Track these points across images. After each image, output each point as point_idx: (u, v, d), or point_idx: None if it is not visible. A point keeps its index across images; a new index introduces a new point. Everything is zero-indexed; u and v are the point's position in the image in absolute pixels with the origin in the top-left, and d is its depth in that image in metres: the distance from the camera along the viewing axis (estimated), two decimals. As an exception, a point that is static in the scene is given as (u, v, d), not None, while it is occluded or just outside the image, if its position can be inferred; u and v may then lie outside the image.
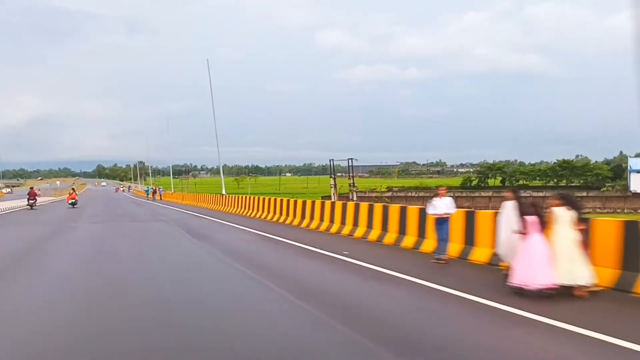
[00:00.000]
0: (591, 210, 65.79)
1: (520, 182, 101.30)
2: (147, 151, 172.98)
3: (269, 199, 23.24)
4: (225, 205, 29.56)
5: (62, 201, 50.76)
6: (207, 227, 19.04)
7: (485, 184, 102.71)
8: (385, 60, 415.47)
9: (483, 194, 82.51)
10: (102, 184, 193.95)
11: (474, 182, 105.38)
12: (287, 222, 20.03)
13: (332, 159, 40.38)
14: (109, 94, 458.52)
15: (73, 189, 43.41)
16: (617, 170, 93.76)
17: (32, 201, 35.78)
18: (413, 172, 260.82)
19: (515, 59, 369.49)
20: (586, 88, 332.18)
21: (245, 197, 26.93)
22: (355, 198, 36.36)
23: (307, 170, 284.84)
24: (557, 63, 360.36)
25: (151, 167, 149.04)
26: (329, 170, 44.62)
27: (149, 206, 38.76)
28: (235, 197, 28.77)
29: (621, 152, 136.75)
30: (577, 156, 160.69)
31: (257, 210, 24.14)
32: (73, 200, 37.59)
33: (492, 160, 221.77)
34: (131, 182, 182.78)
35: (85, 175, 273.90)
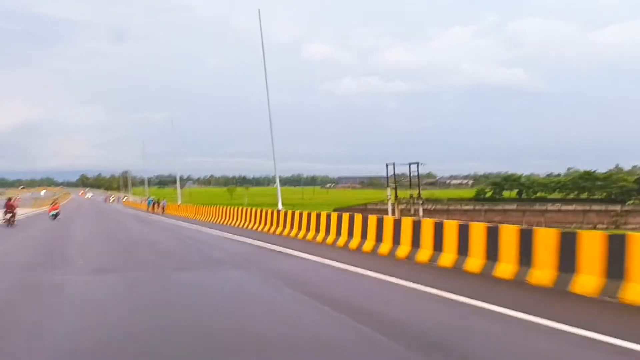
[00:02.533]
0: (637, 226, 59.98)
1: (538, 194, 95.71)
2: (141, 159, 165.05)
3: (317, 215, 17.24)
4: (258, 222, 22.30)
5: (43, 214, 43.72)
6: (323, 277, 10.11)
7: (500, 196, 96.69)
8: (371, 73, 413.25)
9: (507, 207, 76.45)
10: (89, 194, 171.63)
11: (489, 194, 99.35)
12: (353, 245, 14.27)
13: (393, 163, 33.69)
14: (92, 102, 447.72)
15: (55, 199, 39.06)
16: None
17: (10, 215, 28.57)
18: (405, 183, 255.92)
19: (501, 73, 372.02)
20: (571, 102, 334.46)
21: (291, 212, 20.30)
22: (421, 213, 29.77)
23: (296, 181, 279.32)
24: (541, 77, 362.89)
25: (147, 178, 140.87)
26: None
27: (161, 224, 29.87)
28: (274, 212, 21.61)
29: (617, 164, 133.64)
30: (568, 169, 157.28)
31: (309, 230, 17.71)
32: (55, 212, 34.19)
33: (482, 172, 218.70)
34: (118, 192, 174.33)
35: (69, 184, 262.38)
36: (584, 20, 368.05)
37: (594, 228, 54.88)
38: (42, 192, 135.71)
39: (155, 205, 50.58)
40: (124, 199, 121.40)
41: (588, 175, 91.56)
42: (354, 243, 14.22)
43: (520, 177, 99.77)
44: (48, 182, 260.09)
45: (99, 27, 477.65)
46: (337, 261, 11.36)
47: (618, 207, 70.04)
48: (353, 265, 10.68)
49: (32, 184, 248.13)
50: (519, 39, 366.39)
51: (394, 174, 34.99)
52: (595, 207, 72.61)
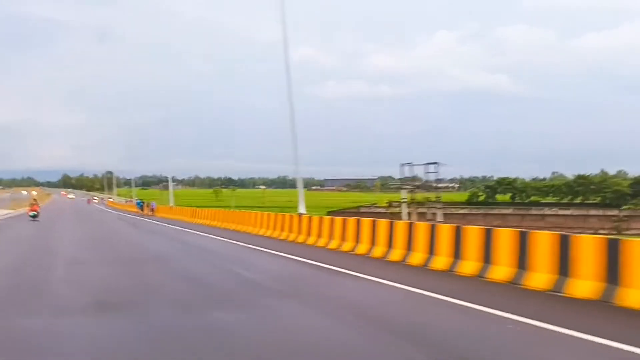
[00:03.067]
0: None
1: (532, 198, 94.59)
2: (124, 160, 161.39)
3: (332, 220, 15.85)
4: (272, 228, 20.11)
5: (22, 216, 40.83)
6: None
7: (493, 199, 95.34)
8: (356, 77, 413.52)
9: (504, 211, 75.14)
10: (70, 195, 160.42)
11: (481, 198, 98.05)
12: (377, 254, 12.70)
13: (410, 163, 31.72)
14: (74, 102, 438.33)
15: (35, 199, 38.06)
16: (637, 187, 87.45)
17: None
18: (392, 186, 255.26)
19: (484, 78, 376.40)
20: (553, 107, 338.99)
21: (307, 218, 18.34)
22: (440, 218, 27.92)
23: (281, 183, 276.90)
24: (525, 83, 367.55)
25: (130, 179, 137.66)
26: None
27: (159, 229, 26.91)
28: (281, 216, 19.54)
29: (602, 169, 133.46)
30: (553, 173, 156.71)
31: (315, 235, 16.27)
32: (34, 213, 33.83)
33: (468, 176, 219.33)
34: (101, 193, 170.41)
35: (50, 185, 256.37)
36: (564, 28, 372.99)
37: (596, 233, 53.62)
38: (24, 192, 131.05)
39: (145, 206, 48.05)
40: (110, 200, 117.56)
41: (582, 179, 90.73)
42: (395, 254, 12.25)
43: (514, 180, 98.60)
44: (28, 183, 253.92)
45: (82, 28, 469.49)
46: (404, 284, 9.14)
47: (615, 212, 69.04)
48: (424, 289, 8.57)
49: (12, 183, 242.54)
50: (502, 45, 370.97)
51: (400, 177, 32.93)
52: (593, 211, 71.55)
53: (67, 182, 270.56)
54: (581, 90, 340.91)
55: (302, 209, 19.02)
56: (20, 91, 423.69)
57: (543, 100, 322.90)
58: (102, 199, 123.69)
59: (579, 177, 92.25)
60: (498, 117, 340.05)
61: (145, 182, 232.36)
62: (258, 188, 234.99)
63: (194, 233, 23.11)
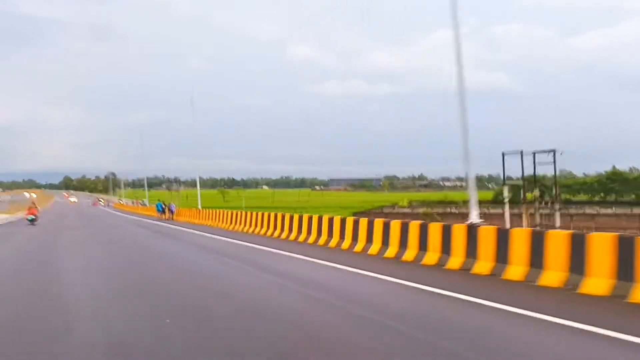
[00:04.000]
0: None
1: (564, 196, 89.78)
2: (125, 161, 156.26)
3: (385, 224, 13.53)
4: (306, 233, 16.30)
5: (21, 221, 37.24)
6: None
7: (518, 198, 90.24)
8: (355, 76, 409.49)
9: (543, 211, 70.10)
10: (72, 198, 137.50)
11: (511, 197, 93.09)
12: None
13: (521, 151, 26.86)
14: (74, 103, 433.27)
15: (33, 202, 37.38)
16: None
17: None
18: (399, 186, 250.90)
19: (482, 76, 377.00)
20: (550, 104, 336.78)
21: (351, 220, 15.25)
22: (558, 223, 23.37)
23: (284, 183, 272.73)
24: (523, 81, 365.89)
25: (132, 180, 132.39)
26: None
27: (195, 239, 21.64)
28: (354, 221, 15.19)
29: (614, 166, 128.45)
30: (560, 171, 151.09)
31: (388, 244, 13.26)
32: (33, 217, 32.64)
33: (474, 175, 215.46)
34: (105, 195, 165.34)
35: (52, 187, 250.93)
36: (562, 26, 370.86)
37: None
38: (26, 194, 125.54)
39: (165, 210, 43.02)
40: (119, 202, 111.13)
41: (616, 176, 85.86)
42: (484, 266, 10.26)
43: (543, 177, 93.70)
44: (29, 185, 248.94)
45: (81, 26, 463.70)
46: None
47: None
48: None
49: (13, 186, 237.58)
50: (500, 43, 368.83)
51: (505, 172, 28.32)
52: (637, 210, 66.86)
53: (68, 184, 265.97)
54: (580, 87, 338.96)
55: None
56: (20, 91, 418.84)
57: (542, 98, 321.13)
58: (109, 201, 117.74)
59: (612, 173, 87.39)
60: (496, 114, 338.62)
61: (149, 184, 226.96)
62: (261, 188, 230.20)
63: (270, 251, 16.12)
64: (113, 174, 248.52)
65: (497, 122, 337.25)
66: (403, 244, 12.88)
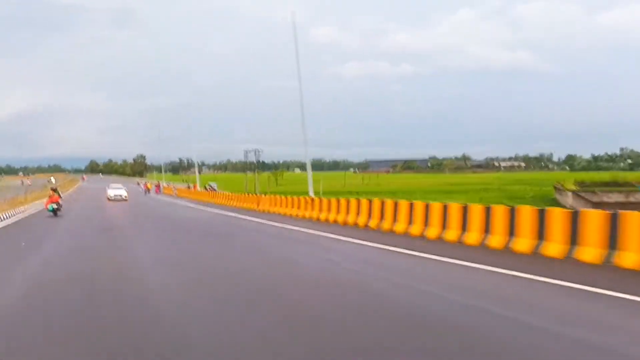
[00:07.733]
0: None
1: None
2: (152, 145, 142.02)
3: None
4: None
5: (41, 213, 28.32)
6: None
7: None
8: (377, 57, 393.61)
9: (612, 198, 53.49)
10: (115, 190, 53.01)
11: (630, 177, 76.61)
12: None
13: None
14: (98, 88, 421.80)
15: (54, 189, 28.40)
16: None
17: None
18: (447, 167, 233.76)
19: (506, 55, 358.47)
20: (576, 83, 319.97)
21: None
22: None
23: (318, 166, 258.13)
24: (547, 59, 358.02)
25: (160, 164, 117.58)
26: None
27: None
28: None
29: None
30: (621, 149, 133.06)
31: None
32: (54, 206, 25.70)
33: (495, 156, 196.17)
34: (140, 178, 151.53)
35: (77, 172, 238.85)
36: (589, 3, 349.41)
37: None
38: (53, 179, 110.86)
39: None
40: (169, 185, 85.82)
41: None
42: None
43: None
44: (55, 170, 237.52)
45: (104, 12, 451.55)
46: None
47: None
48: None
49: (38, 171, 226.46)
50: (524, 21, 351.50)
51: None
52: None
53: (94, 168, 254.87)
54: (606, 65, 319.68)
55: None
56: (44, 79, 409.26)
57: (563, 76, 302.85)
58: (174, 186, 78.42)
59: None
60: (521, 94, 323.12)
61: (174, 168, 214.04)
62: (293, 171, 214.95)
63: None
64: (143, 157, 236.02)
65: (523, 101, 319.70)
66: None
